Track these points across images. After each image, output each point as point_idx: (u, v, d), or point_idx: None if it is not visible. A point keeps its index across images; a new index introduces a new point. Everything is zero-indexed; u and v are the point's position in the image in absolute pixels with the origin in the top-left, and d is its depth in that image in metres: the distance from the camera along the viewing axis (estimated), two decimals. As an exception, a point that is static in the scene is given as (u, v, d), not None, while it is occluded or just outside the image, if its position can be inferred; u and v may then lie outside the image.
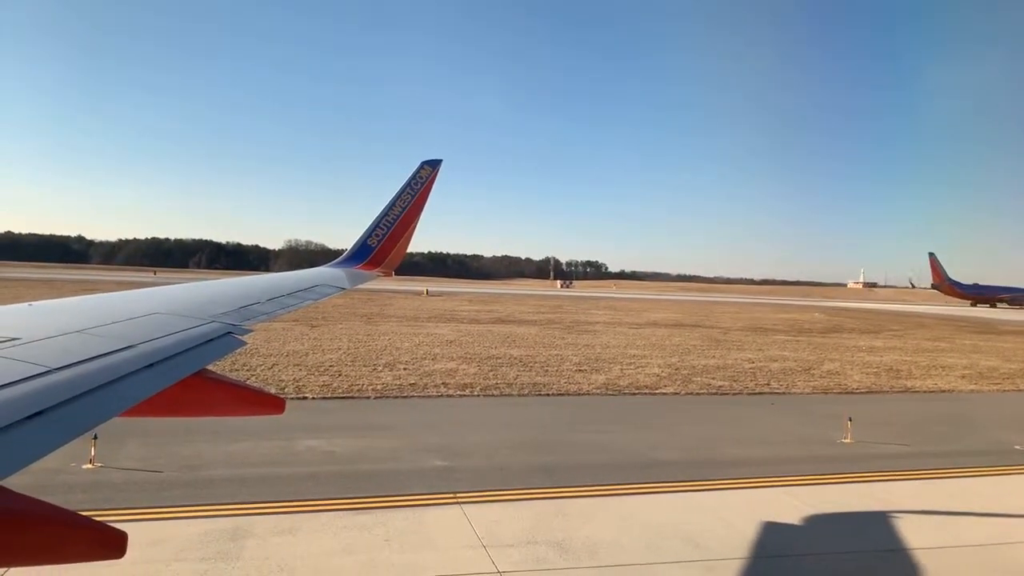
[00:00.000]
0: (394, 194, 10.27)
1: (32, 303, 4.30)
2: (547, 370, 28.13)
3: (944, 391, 28.11)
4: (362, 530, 10.66)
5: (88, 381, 2.68)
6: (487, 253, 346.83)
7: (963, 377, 31.92)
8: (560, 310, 71.83)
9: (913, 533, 11.57)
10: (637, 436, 17.92)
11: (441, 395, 22.32)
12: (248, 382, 20.52)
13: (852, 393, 26.46)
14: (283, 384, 22.19)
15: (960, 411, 23.95)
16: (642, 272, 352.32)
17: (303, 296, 6.53)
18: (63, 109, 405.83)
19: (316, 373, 24.66)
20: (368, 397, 21.44)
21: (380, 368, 26.64)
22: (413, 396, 21.95)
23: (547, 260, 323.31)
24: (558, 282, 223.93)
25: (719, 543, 10.80)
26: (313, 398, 20.80)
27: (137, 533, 9.94)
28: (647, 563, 9.98)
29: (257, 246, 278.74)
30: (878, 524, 12.10)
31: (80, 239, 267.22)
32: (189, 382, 3.43)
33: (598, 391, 24.13)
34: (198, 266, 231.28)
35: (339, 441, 15.83)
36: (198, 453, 14.17)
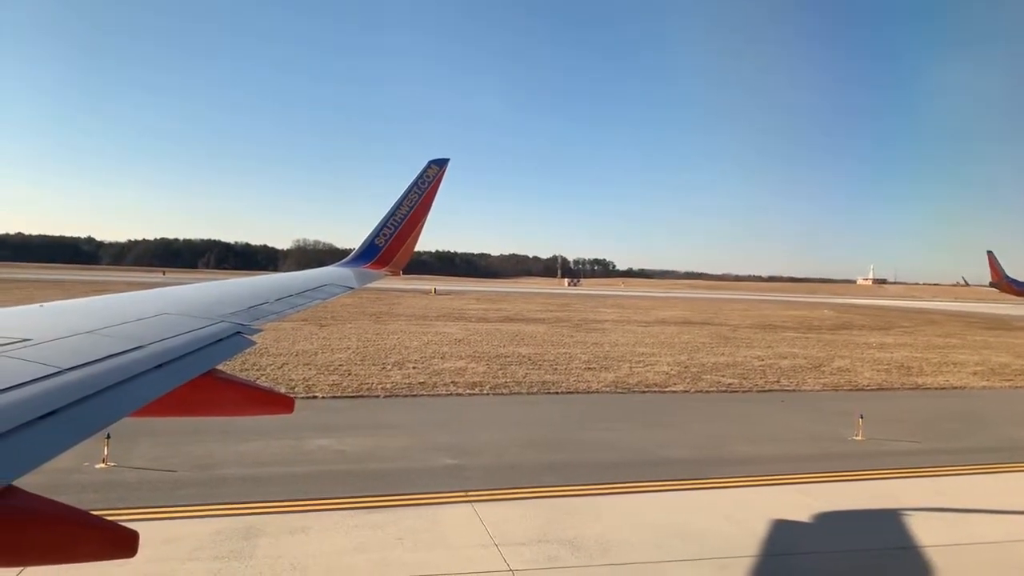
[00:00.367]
0: (401, 193, 10.28)
1: (43, 304, 4.32)
2: (556, 368, 28.13)
3: (956, 388, 27.95)
4: (374, 529, 10.69)
5: (99, 381, 2.69)
6: (494, 252, 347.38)
7: (975, 374, 31.73)
8: (568, 308, 71.79)
9: (925, 531, 11.51)
10: (647, 434, 17.91)
11: (451, 394, 22.35)
12: (258, 382, 20.62)
13: (863, 390, 26.34)
14: (293, 383, 22.27)
15: (972, 408, 23.81)
16: (650, 270, 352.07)
17: (311, 296, 6.54)
18: (69, 110, 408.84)
19: (326, 372, 24.73)
20: (378, 396, 21.48)
21: (389, 367, 26.70)
22: (422, 395, 21.99)
23: (554, 258, 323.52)
24: (566, 280, 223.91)
25: (730, 541, 10.77)
26: (323, 397, 20.86)
27: (151, 532, 10.02)
28: (658, 561, 9.98)
29: (266, 246, 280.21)
30: (890, 522, 12.04)
31: (90, 240, 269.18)
32: (199, 382, 3.44)
33: (607, 389, 24.11)
34: (207, 266, 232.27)
35: (350, 440, 15.88)
36: (210, 452, 14.24)
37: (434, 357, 29.93)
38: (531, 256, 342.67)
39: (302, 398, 20.22)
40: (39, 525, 2.13)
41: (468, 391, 22.79)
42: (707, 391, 24.79)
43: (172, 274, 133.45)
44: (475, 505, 11.91)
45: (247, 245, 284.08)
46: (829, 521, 12.03)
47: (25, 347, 2.94)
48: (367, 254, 10.12)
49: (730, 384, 26.16)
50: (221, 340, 4.00)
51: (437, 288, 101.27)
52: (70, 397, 2.45)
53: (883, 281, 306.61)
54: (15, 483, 2.00)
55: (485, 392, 22.78)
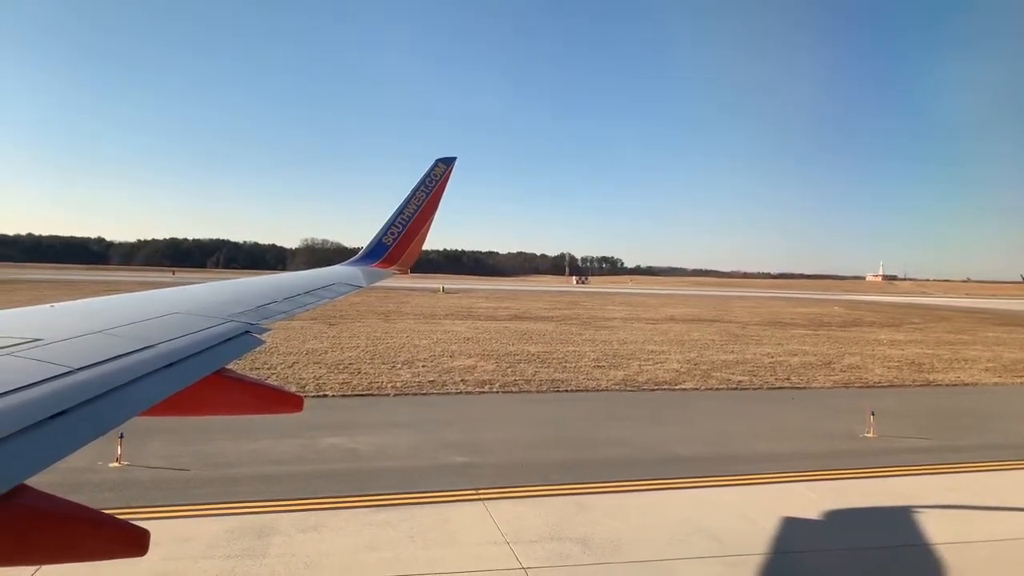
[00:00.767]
0: (409, 192, 10.29)
1: (54, 304, 4.33)
2: (565, 366, 28.13)
3: (968, 384, 27.80)
4: (386, 527, 10.74)
5: (109, 381, 2.70)
6: (502, 250, 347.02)
7: (987, 370, 31.55)
8: (576, 306, 71.74)
9: (937, 528, 11.47)
10: (657, 432, 17.90)
11: (460, 392, 22.39)
12: (269, 380, 20.71)
13: (874, 387, 26.23)
14: (303, 382, 22.36)
15: (984, 404, 23.68)
16: (658, 267, 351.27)
17: (320, 295, 6.55)
18: (77, 112, 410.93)
19: (335, 371, 24.81)
20: (388, 395, 21.55)
21: (399, 366, 26.76)
22: (432, 393, 22.03)
23: (562, 256, 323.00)
24: (574, 278, 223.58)
25: (741, 539, 10.77)
26: (333, 396, 20.94)
27: (165, 530, 10.10)
28: (670, 558, 9.98)
29: (274, 245, 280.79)
30: (902, 519, 12.01)
31: (100, 240, 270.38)
32: (208, 381, 3.45)
33: (617, 387, 24.10)
34: (216, 266, 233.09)
35: (361, 439, 15.93)
36: (222, 451, 14.32)
37: (443, 355, 29.98)
38: (539, 254, 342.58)
39: (313, 397, 20.31)
40: (51, 524, 2.15)
41: (478, 389, 22.83)
42: (717, 389, 24.74)
43: (182, 274, 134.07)
44: (487, 503, 11.94)
45: (256, 244, 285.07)
46: (841, 518, 12.00)
47: (36, 347, 2.95)
48: (375, 253, 10.13)
49: (740, 381, 26.11)
50: (230, 339, 4.01)
51: (445, 286, 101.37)
52: (80, 397, 2.47)
53: (893, 277, 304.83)
54: (27, 482, 2.01)
55: (495, 390, 22.81)
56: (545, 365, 28.32)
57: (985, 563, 10.26)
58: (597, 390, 23.61)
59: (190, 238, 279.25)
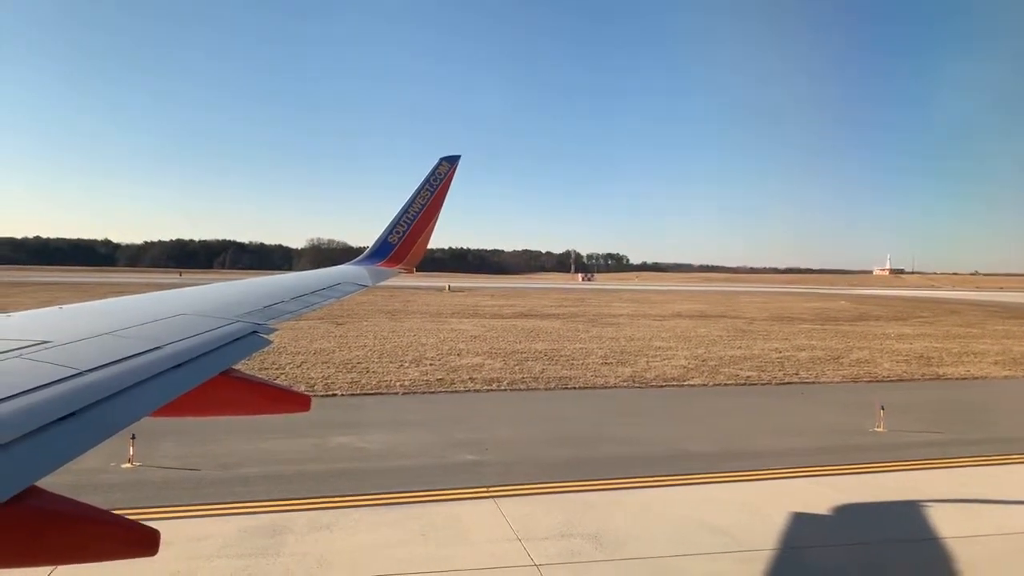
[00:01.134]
0: (413, 191, 10.31)
1: (62, 306, 4.35)
2: (573, 364, 28.13)
3: (977, 378, 27.68)
4: (397, 525, 10.77)
5: (118, 382, 2.72)
6: (507, 248, 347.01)
7: (996, 363, 31.41)
8: (583, 303, 71.69)
9: (948, 522, 11.44)
10: (666, 428, 17.89)
11: (468, 390, 22.41)
12: (278, 380, 20.78)
13: (882, 381, 26.15)
14: (312, 382, 22.42)
15: (994, 398, 23.59)
16: (664, 263, 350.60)
17: (326, 294, 6.56)
18: (83, 115, 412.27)
19: (344, 370, 24.87)
20: (396, 393, 21.59)
21: (407, 364, 26.80)
22: (440, 391, 22.06)
23: (568, 254, 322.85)
24: (579, 275, 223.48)
25: (751, 534, 10.76)
26: (342, 395, 20.99)
27: (178, 530, 10.15)
28: (681, 555, 9.98)
29: (280, 245, 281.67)
30: (912, 513, 11.98)
31: (107, 243, 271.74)
32: (216, 381, 3.46)
33: (625, 384, 24.09)
34: (223, 266, 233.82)
35: (370, 437, 15.98)
36: (232, 451, 14.38)
37: (450, 354, 30.01)
38: (544, 252, 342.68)
39: (321, 396, 20.38)
40: (61, 525, 2.16)
41: (486, 387, 22.84)
42: (725, 384, 24.71)
43: (188, 275, 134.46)
44: (497, 500, 11.97)
45: (262, 245, 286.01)
46: (851, 513, 11.98)
47: (45, 349, 2.97)
48: (380, 252, 10.15)
49: (748, 377, 26.06)
50: (237, 340, 4.02)
51: (451, 285, 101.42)
52: (90, 398, 2.48)
53: (900, 271, 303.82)
54: (37, 483, 2.02)
55: (503, 388, 22.83)
56: (552, 362, 28.33)
57: (997, 557, 10.23)
58: (605, 387, 23.60)
59: (196, 239, 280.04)
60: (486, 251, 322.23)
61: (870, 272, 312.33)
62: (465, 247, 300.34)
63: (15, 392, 2.31)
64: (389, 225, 10.29)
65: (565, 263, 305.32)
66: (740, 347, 35.16)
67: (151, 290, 5.64)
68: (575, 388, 23.28)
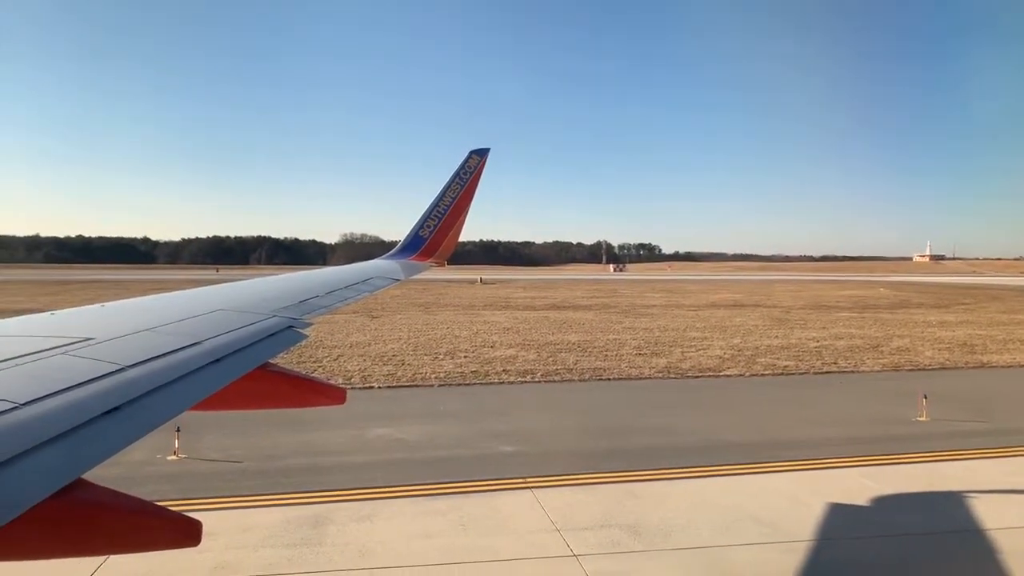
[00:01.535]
0: (444, 184, 10.35)
1: (104, 304, 4.47)
2: (606, 355, 28.04)
3: (1023, 366, 26.95)
4: (437, 515, 10.89)
5: (159, 377, 2.78)
6: (538, 239, 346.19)
7: (1043, 350, 30.54)
8: (615, 294, 71.34)
9: (994, 513, 11.19)
10: (703, 419, 17.76)
11: (503, 382, 22.49)
12: (316, 373, 21.09)
13: (924, 370, 25.62)
14: (349, 374, 22.69)
15: (1042, 386, 22.94)
16: (697, 253, 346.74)
17: (360, 288, 6.64)
18: (121, 116, 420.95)
19: (380, 363, 25.13)
20: (432, 385, 21.75)
21: (441, 356, 26.98)
22: (475, 383, 22.18)
23: (599, 244, 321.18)
24: (611, 266, 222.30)
25: (793, 524, 10.66)
26: (379, 387, 21.22)
27: (224, 521, 10.39)
28: (722, 545, 9.93)
29: (314, 241, 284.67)
30: (957, 504, 11.74)
31: (146, 240, 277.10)
32: (254, 375, 3.52)
33: (660, 375, 23.95)
34: (259, 262, 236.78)
35: (408, 429, 16.14)
36: (273, 443, 14.64)
37: (484, 346, 30.13)
38: (575, 243, 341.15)
39: (359, 388, 20.63)
40: (107, 516, 2.23)
41: (520, 379, 22.90)
42: (762, 374, 24.43)
43: (225, 271, 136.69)
44: (535, 491, 12.02)
45: (296, 240, 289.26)
46: (896, 504, 11.78)
47: (88, 346, 3.05)
48: (412, 246, 10.21)
49: (786, 367, 25.73)
50: (274, 334, 4.07)
51: (483, 277, 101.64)
52: (132, 393, 2.54)
53: (941, 257, 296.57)
54: (83, 476, 2.07)
55: (537, 380, 22.86)
56: (586, 354, 28.27)
57: (1048, 548, 9.99)
58: (640, 378, 23.49)
59: (232, 235, 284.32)
60: (517, 243, 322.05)
61: (909, 259, 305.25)
62: (496, 240, 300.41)
63: (61, 388, 2.37)
64: (420, 219, 10.35)
65: (596, 254, 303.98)
66: (777, 336, 34.72)
67: (189, 286, 5.76)
68: (609, 379, 23.22)
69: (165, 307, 4.53)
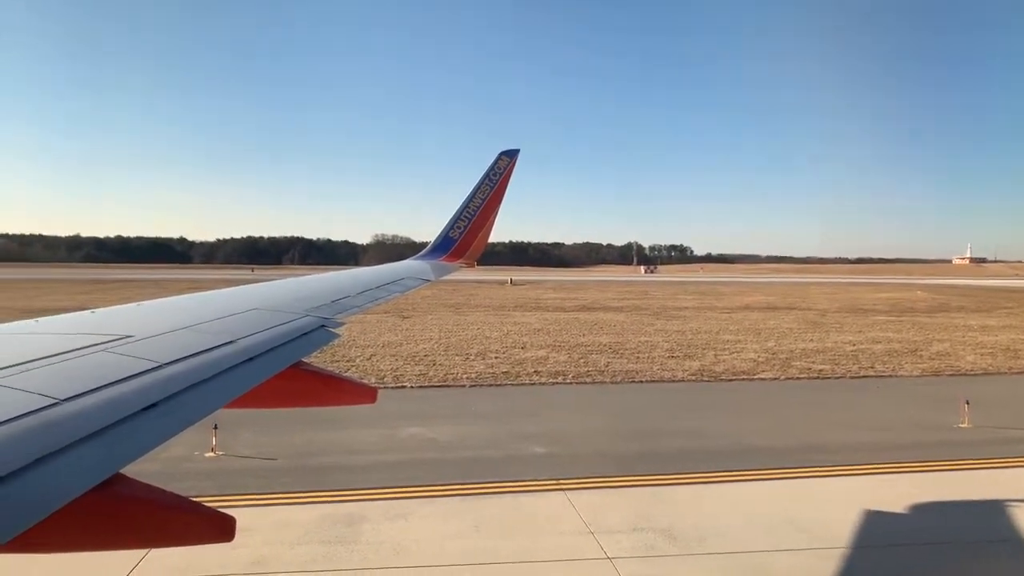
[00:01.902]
0: (474, 186, 10.37)
1: (142, 303, 4.56)
2: (638, 357, 27.87)
3: (1070, 372, 26.17)
4: (471, 515, 10.92)
5: (195, 375, 2.81)
6: (568, 241, 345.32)
7: (1091, 356, 29.63)
8: (646, 296, 70.87)
9: (1040, 523, 10.88)
10: (737, 422, 17.55)
11: (534, 383, 22.48)
12: (348, 372, 21.27)
13: (966, 375, 25.02)
14: (382, 374, 22.87)
15: (1090, 393, 22.25)
16: (730, 255, 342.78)
17: (391, 289, 6.68)
18: (156, 120, 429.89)
19: (412, 363, 25.29)
20: (463, 385, 21.83)
21: (472, 357, 27.06)
22: (506, 384, 22.20)
23: (629, 246, 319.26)
24: (642, 267, 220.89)
25: (831, 531, 10.48)
26: (411, 387, 21.36)
27: (261, 517, 10.54)
28: (757, 550, 9.80)
29: (346, 241, 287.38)
30: (1001, 513, 11.44)
31: (183, 240, 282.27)
32: (287, 374, 3.53)
33: (693, 378, 23.74)
34: (292, 262, 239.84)
35: (440, 429, 16.22)
36: (307, 441, 14.80)
37: (515, 347, 30.15)
38: (605, 244, 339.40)
39: (392, 388, 20.78)
40: (143, 510, 2.25)
41: (551, 380, 22.87)
42: (797, 378, 24.08)
43: (260, 271, 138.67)
44: (567, 493, 11.98)
45: (329, 241, 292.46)
46: (936, 511, 11.53)
47: (127, 343, 3.09)
48: (442, 246, 10.25)
49: (821, 370, 25.33)
50: (307, 333, 4.10)
51: (513, 278, 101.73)
52: (169, 390, 2.57)
53: (982, 260, 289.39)
54: (121, 471, 2.10)
55: (568, 381, 22.81)
56: (617, 356, 28.13)
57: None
58: (672, 380, 23.31)
59: (266, 236, 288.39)
60: (547, 244, 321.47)
61: (949, 261, 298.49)
62: (526, 241, 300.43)
63: (101, 384, 2.42)
64: (450, 220, 10.39)
65: (627, 255, 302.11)
66: (812, 340, 34.19)
67: (224, 286, 5.84)
68: (641, 382, 23.07)
69: (201, 306, 4.60)
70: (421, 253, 10.38)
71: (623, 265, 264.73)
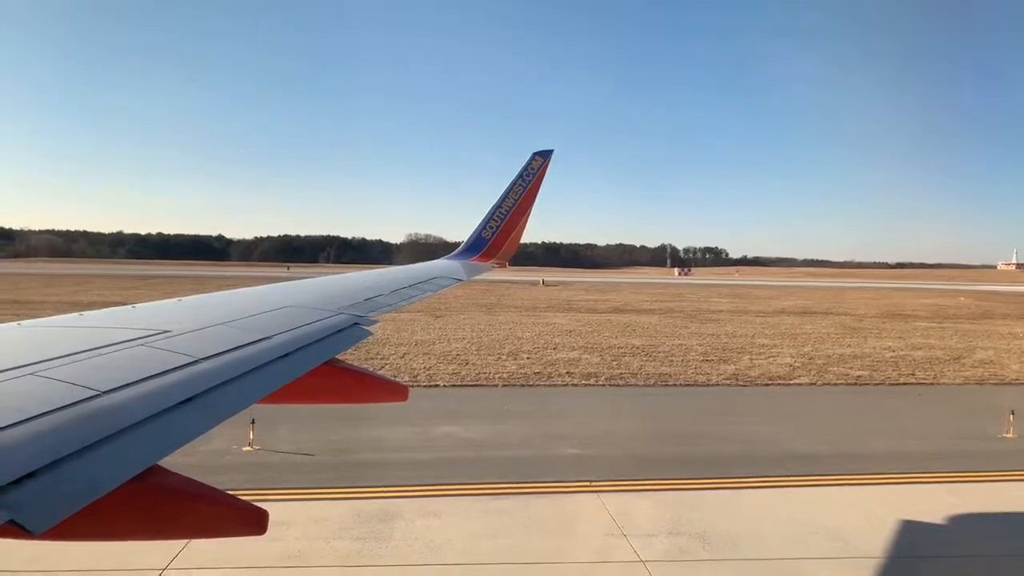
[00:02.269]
0: (507, 186, 10.40)
1: (180, 299, 4.67)
2: (672, 360, 27.67)
3: (1121, 383, 25.32)
4: (503, 514, 10.98)
5: (231, 370, 2.88)
6: (601, 242, 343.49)
7: None
8: (680, 299, 70.20)
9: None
10: (773, 427, 17.35)
11: (566, 384, 22.47)
12: (382, 370, 21.49)
13: (1011, 384, 24.35)
14: (415, 372, 23.06)
15: None
16: (766, 258, 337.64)
17: (423, 288, 6.76)
18: (197, 120, 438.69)
19: (444, 362, 25.45)
20: (496, 385, 21.91)
21: (504, 357, 27.13)
22: (539, 385, 22.22)
23: (663, 248, 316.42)
24: (676, 270, 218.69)
25: (867, 540, 10.33)
26: (444, 386, 21.50)
27: (298, 512, 10.72)
28: (792, 557, 9.71)
29: (380, 240, 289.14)
30: None
31: (220, 238, 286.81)
32: (321, 370, 3.59)
33: (727, 382, 23.51)
34: (327, 261, 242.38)
35: (474, 428, 16.32)
36: (342, 438, 15.00)
37: (547, 348, 30.15)
38: (638, 246, 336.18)
39: (425, 386, 20.95)
40: (179, 502, 2.32)
41: (583, 382, 22.84)
42: (835, 384, 23.70)
43: (295, 269, 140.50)
44: (600, 495, 11.98)
45: (363, 240, 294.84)
46: (974, 523, 11.27)
47: (166, 338, 3.18)
48: (475, 246, 10.30)
49: (859, 376, 24.89)
50: (341, 331, 4.18)
51: (545, 279, 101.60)
52: (205, 385, 2.64)
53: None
54: (158, 463, 2.16)
55: (600, 383, 22.75)
56: (650, 359, 27.97)
57: None
58: (707, 384, 23.11)
59: (302, 234, 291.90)
60: (579, 245, 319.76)
61: (994, 267, 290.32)
62: (558, 241, 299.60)
63: (140, 377, 2.50)
64: (483, 220, 10.43)
65: (660, 257, 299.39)
66: (850, 345, 33.59)
67: (261, 283, 5.96)
68: (675, 385, 22.91)
69: (237, 303, 4.71)
70: (453, 253, 10.46)
71: (657, 267, 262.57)
